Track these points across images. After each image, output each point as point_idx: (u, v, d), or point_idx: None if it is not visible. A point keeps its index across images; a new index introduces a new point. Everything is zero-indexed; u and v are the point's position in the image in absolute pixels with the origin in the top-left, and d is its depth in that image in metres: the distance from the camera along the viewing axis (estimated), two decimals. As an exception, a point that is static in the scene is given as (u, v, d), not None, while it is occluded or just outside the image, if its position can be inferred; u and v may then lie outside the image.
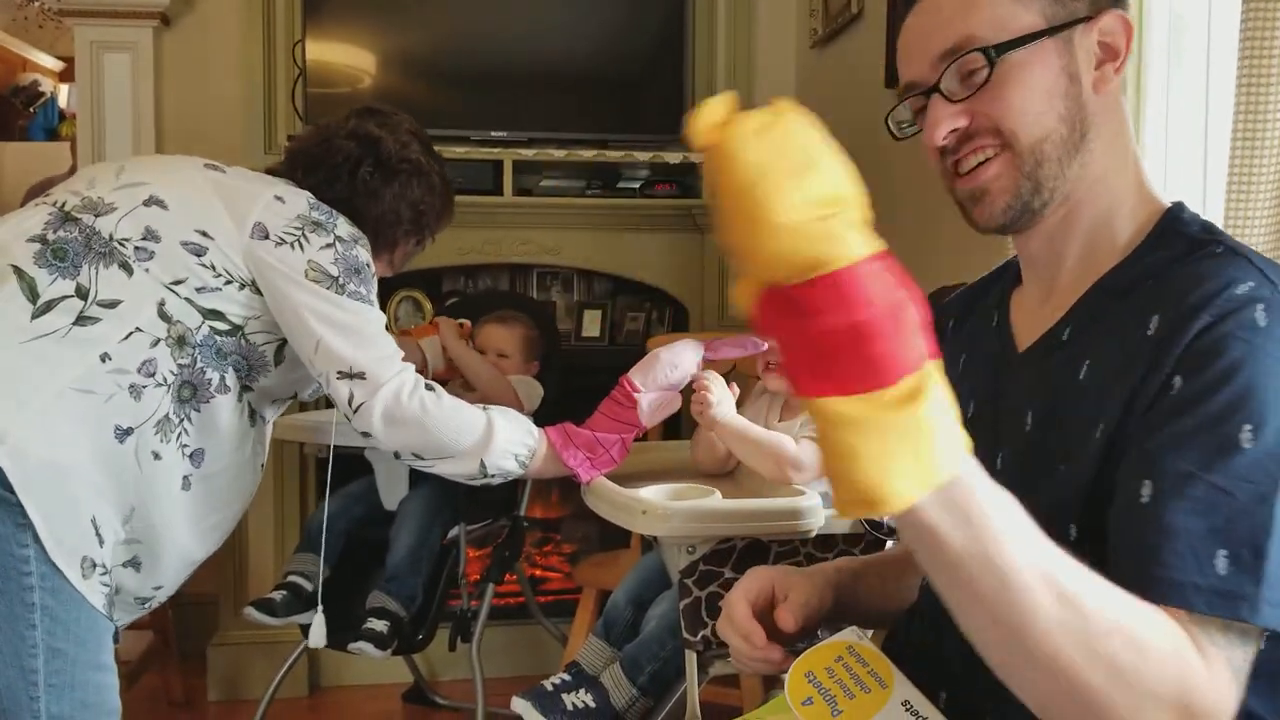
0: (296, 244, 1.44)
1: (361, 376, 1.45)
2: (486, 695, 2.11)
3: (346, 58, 2.72)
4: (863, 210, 0.60)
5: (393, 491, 2.12)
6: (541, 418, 2.26)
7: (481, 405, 1.58)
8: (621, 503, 1.45)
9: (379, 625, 1.91)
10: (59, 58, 5.02)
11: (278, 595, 1.96)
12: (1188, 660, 0.65)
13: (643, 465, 1.77)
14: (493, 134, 2.73)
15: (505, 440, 1.55)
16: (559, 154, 2.70)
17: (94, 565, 1.26)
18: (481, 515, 2.23)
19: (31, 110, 4.70)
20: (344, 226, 1.50)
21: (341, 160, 1.60)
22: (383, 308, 2.69)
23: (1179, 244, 0.83)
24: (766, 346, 1.60)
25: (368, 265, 1.51)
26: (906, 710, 0.83)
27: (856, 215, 0.59)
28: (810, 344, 0.60)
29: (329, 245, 1.46)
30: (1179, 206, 0.88)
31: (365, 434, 1.50)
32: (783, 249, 0.58)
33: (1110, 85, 0.86)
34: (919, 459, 0.59)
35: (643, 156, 2.74)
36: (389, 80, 2.75)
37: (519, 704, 1.54)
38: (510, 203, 2.68)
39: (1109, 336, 0.81)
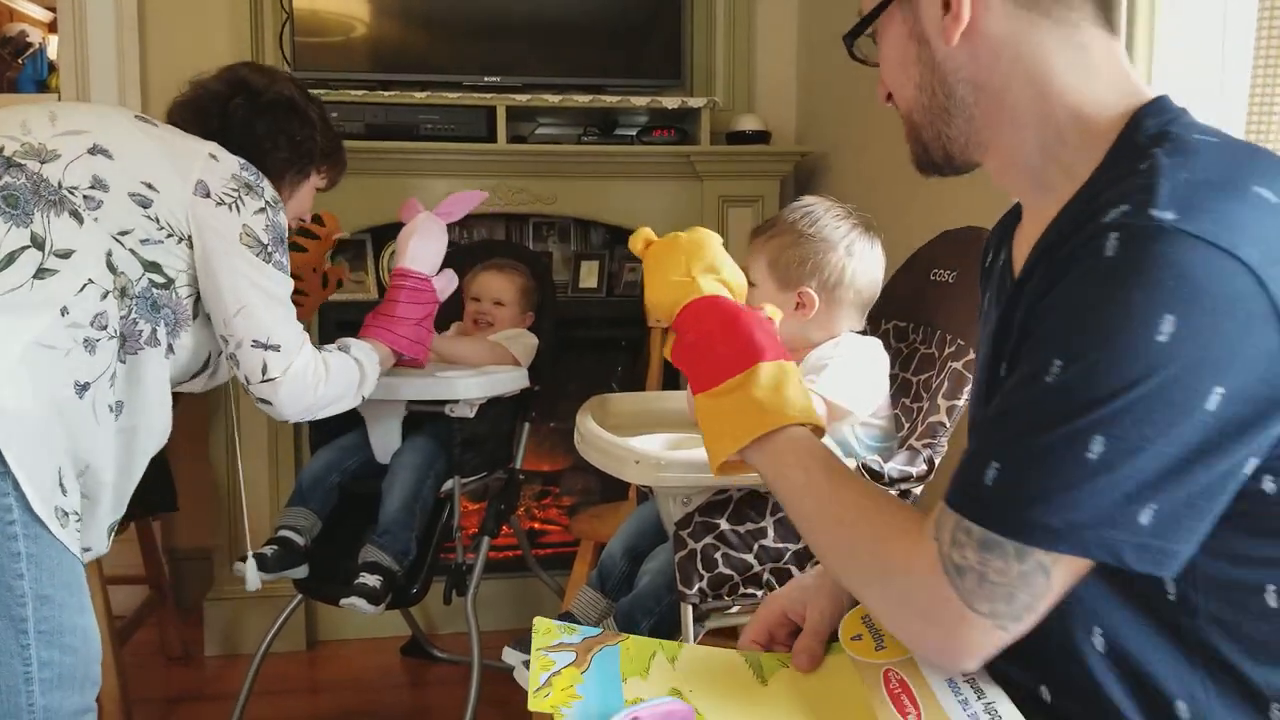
0: (234, 206, 1.48)
1: (277, 349, 1.52)
2: (483, 648, 2.10)
3: (336, 4, 2.64)
4: (710, 273, 1.02)
5: (385, 444, 2.09)
6: (538, 370, 2.24)
7: (339, 345, 1.72)
8: (614, 452, 1.41)
9: (371, 580, 1.89)
10: (47, 7, 4.92)
11: (269, 550, 1.94)
12: (901, 532, 0.78)
13: (640, 415, 1.73)
14: (485, 79, 2.66)
15: (371, 371, 1.73)
16: (553, 99, 2.63)
17: (66, 514, 1.27)
18: (476, 468, 2.20)
19: (20, 61, 4.60)
20: (269, 190, 1.54)
21: (210, 99, 1.62)
22: (376, 259, 2.69)
23: (1125, 162, 0.76)
24: (487, 195, 1.98)
25: (285, 230, 1.57)
26: None
27: (704, 284, 1.00)
28: (683, 358, 0.97)
29: (262, 210, 1.51)
30: (1147, 109, 0.79)
31: (264, 401, 1.55)
32: (664, 299, 1.02)
33: (962, 29, 0.80)
34: (736, 429, 0.91)
35: (640, 102, 2.67)
36: (381, 27, 2.67)
37: (510, 655, 1.53)
38: (504, 150, 2.61)
39: (1051, 273, 0.75)
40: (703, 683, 0.86)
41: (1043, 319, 0.71)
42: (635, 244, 1.07)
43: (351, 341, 1.75)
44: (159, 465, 2.34)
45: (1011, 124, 0.82)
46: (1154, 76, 1.62)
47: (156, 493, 2.34)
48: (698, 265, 1.01)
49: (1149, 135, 0.76)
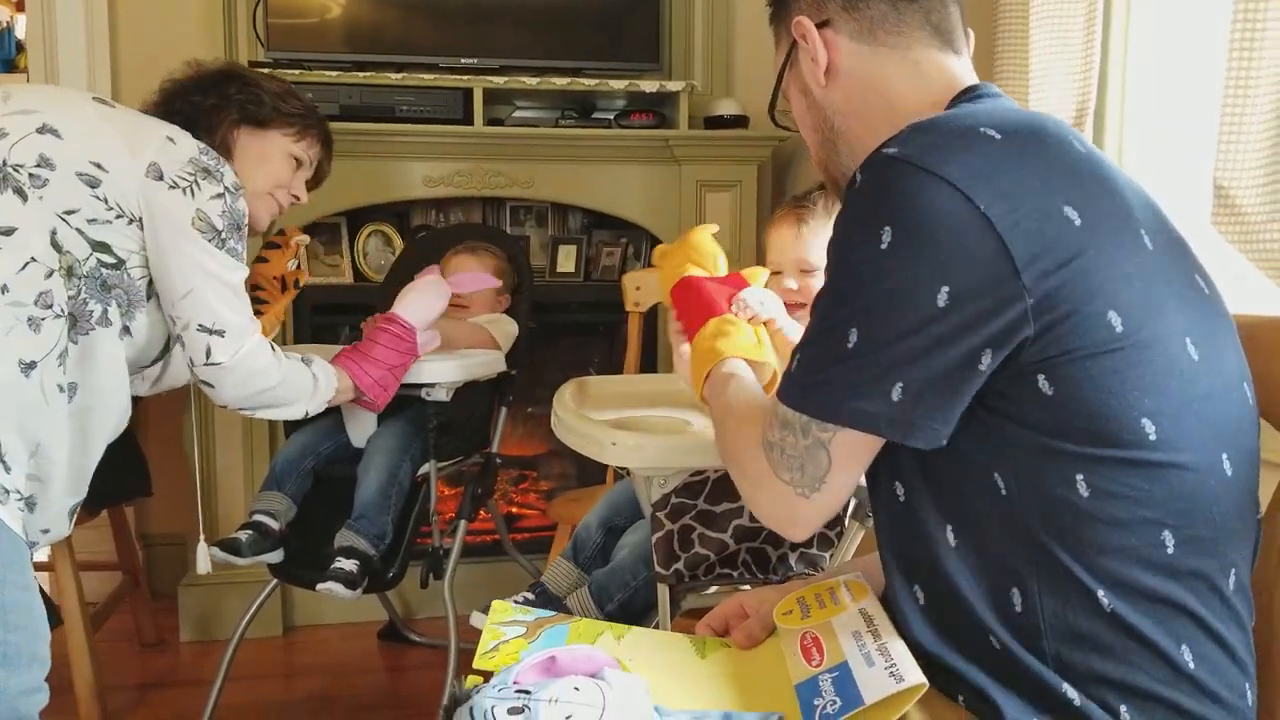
0: (189, 190, 1.48)
1: (222, 334, 1.53)
2: (460, 632, 2.09)
3: (311, -16, 2.61)
4: (687, 262, 1.31)
5: (361, 429, 2.08)
6: (515, 354, 2.23)
7: (303, 358, 1.72)
8: (590, 434, 1.41)
9: (348, 565, 1.88)
10: (15, -13, 4.83)
11: (243, 535, 1.93)
12: (749, 423, 0.95)
13: (618, 398, 1.73)
14: (462, 61, 2.64)
15: (326, 390, 1.74)
16: (531, 81, 2.61)
17: (7, 492, 1.26)
18: (453, 452, 2.19)
19: (-12, 42, 4.53)
20: (230, 175, 1.55)
21: (170, 85, 1.68)
22: (351, 242, 2.67)
23: None
24: (500, 284, 2.18)
25: (244, 216, 1.57)
26: (862, 616, 0.90)
27: (682, 268, 1.29)
28: (679, 321, 1.26)
29: (219, 195, 1.51)
30: (955, 98, 0.94)
31: (206, 384, 1.57)
32: (664, 288, 1.31)
33: (824, 69, 0.99)
34: (696, 369, 1.16)
35: (618, 85, 2.66)
36: (356, 8, 2.64)
37: (479, 619, 1.53)
38: (481, 133, 2.60)
39: None
40: (643, 653, 0.94)
41: (829, 240, 0.88)
42: (655, 259, 1.37)
43: (315, 358, 1.76)
44: (132, 451, 2.32)
45: (874, 137, 0.93)
46: (1129, 72, 1.64)
47: (130, 478, 2.32)
48: (680, 257, 1.30)
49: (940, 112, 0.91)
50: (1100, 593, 0.80)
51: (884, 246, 0.79)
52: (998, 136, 0.81)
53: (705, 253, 1.31)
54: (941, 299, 0.78)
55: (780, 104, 1.08)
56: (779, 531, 0.93)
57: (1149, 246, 0.83)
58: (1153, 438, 0.80)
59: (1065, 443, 0.80)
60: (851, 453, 0.85)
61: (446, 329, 2.14)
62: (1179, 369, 0.81)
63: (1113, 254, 0.80)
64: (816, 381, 0.84)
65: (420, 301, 1.91)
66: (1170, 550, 0.81)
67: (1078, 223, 0.79)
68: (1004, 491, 0.82)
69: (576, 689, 0.77)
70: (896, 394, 0.80)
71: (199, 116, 1.60)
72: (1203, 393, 0.82)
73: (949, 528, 0.86)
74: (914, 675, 0.79)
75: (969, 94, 0.95)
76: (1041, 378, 0.79)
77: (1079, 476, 0.80)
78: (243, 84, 1.68)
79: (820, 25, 0.99)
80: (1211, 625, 0.82)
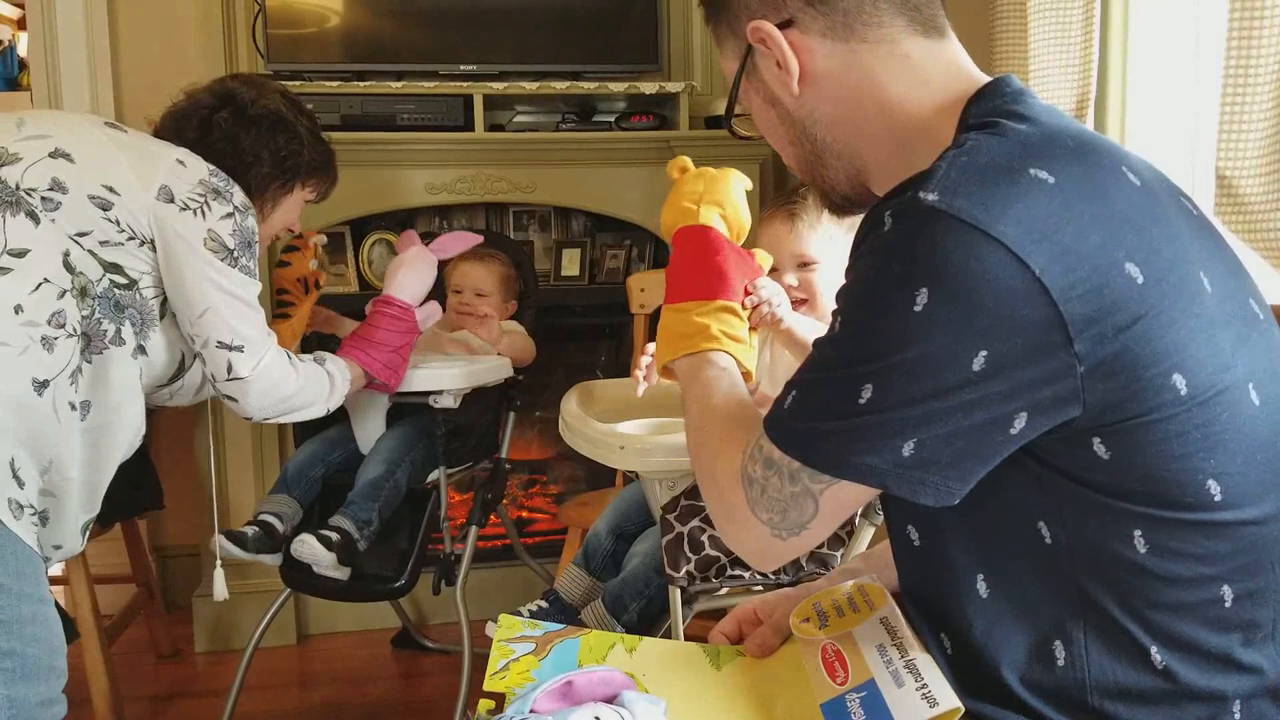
0: (199, 211, 1.50)
1: (241, 349, 1.56)
2: (473, 637, 2.10)
3: (309, -6, 2.62)
4: (714, 207, 1.10)
5: (369, 436, 2.09)
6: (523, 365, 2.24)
7: (315, 357, 1.75)
8: (599, 439, 1.42)
9: (328, 533, 1.91)
10: (15, 4, 4.86)
11: (249, 530, 1.95)
12: (729, 441, 0.88)
13: (625, 401, 1.74)
14: (461, 68, 2.65)
15: (342, 385, 1.77)
16: (531, 86, 2.62)
17: (20, 506, 1.27)
18: (463, 459, 2.20)
19: (-10, 60, 4.54)
20: (239, 195, 1.56)
21: (195, 110, 1.66)
22: (356, 251, 2.68)
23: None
24: (482, 239, 2.11)
25: (254, 234, 1.59)
26: (883, 625, 0.87)
27: (705, 211, 1.09)
28: (667, 272, 1.08)
29: (229, 215, 1.53)
30: (972, 100, 0.83)
31: (229, 398, 1.60)
32: (668, 219, 1.12)
33: (797, 78, 0.87)
34: (677, 342, 1.02)
35: (618, 88, 2.66)
36: (355, 17, 2.65)
37: (494, 630, 1.53)
38: (482, 139, 2.60)
39: (858, 247, 0.86)
40: (657, 668, 0.90)
41: (844, 284, 0.80)
42: (671, 170, 1.17)
43: (327, 355, 1.79)
44: (144, 464, 2.33)
45: (869, 145, 0.88)
46: (1129, 62, 1.64)
47: (142, 492, 2.33)
48: (707, 196, 1.10)
49: (970, 126, 0.81)
50: (1154, 650, 0.77)
51: (918, 309, 0.71)
52: (1051, 180, 0.73)
53: (737, 214, 1.12)
54: (977, 363, 0.70)
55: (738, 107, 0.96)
56: (746, 560, 0.88)
57: (1208, 289, 0.76)
58: (1218, 499, 0.75)
59: (1123, 501, 0.75)
60: (843, 504, 0.80)
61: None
62: (1244, 419, 0.76)
63: (1177, 313, 0.73)
64: (815, 430, 0.77)
65: (410, 277, 1.94)
66: (1228, 604, 0.77)
67: (1140, 280, 0.72)
68: (1049, 541, 0.77)
69: (597, 719, 0.76)
70: (908, 450, 0.73)
71: (242, 169, 1.62)
72: (1266, 439, 0.77)
73: (979, 576, 0.81)
74: (949, 699, 0.77)
75: (989, 97, 0.83)
76: (1097, 440, 0.74)
77: (1137, 532, 0.75)
78: (289, 135, 1.69)
79: (782, 26, 0.86)
80: (1264, 673, 0.79)
